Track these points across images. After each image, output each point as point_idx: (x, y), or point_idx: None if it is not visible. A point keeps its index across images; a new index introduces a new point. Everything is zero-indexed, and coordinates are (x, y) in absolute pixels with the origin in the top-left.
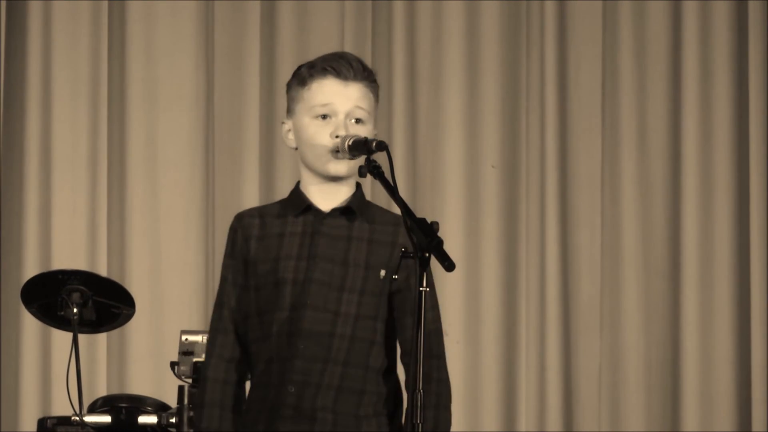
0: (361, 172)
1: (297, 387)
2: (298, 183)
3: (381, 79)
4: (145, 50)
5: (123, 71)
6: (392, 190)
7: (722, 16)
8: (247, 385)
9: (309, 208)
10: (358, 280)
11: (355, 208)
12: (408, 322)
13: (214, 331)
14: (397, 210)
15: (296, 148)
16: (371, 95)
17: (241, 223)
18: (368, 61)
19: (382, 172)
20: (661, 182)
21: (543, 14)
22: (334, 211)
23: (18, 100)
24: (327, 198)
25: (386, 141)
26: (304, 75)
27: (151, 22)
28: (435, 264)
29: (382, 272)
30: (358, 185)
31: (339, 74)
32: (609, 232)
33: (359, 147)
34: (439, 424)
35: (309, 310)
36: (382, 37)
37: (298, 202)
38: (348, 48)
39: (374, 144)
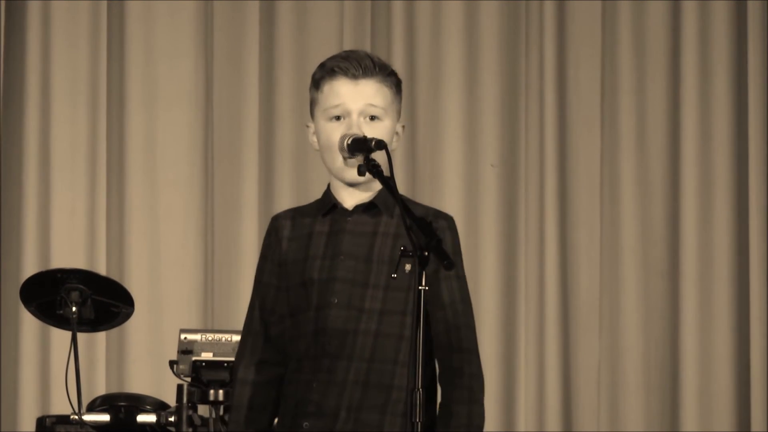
0: (360, 171)
1: (321, 385)
2: (330, 183)
3: None
4: (144, 50)
5: (122, 71)
6: (391, 189)
7: (722, 16)
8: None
9: (335, 206)
10: (382, 275)
11: (379, 204)
12: (439, 316)
13: (245, 333)
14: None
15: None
16: (387, 90)
17: (275, 224)
18: None
19: (381, 171)
20: (661, 181)
21: (542, 14)
22: (357, 207)
23: (17, 99)
24: (354, 195)
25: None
26: (316, 78)
27: (151, 23)
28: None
29: (408, 266)
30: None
31: (347, 73)
32: (608, 231)
33: (358, 146)
34: (473, 420)
35: (334, 308)
36: (381, 37)
37: (326, 201)
38: (347, 48)
39: (373, 143)
